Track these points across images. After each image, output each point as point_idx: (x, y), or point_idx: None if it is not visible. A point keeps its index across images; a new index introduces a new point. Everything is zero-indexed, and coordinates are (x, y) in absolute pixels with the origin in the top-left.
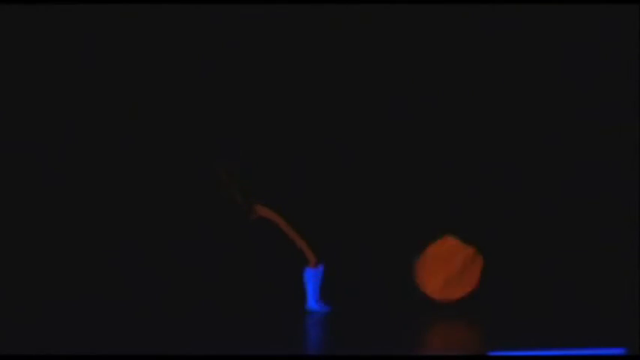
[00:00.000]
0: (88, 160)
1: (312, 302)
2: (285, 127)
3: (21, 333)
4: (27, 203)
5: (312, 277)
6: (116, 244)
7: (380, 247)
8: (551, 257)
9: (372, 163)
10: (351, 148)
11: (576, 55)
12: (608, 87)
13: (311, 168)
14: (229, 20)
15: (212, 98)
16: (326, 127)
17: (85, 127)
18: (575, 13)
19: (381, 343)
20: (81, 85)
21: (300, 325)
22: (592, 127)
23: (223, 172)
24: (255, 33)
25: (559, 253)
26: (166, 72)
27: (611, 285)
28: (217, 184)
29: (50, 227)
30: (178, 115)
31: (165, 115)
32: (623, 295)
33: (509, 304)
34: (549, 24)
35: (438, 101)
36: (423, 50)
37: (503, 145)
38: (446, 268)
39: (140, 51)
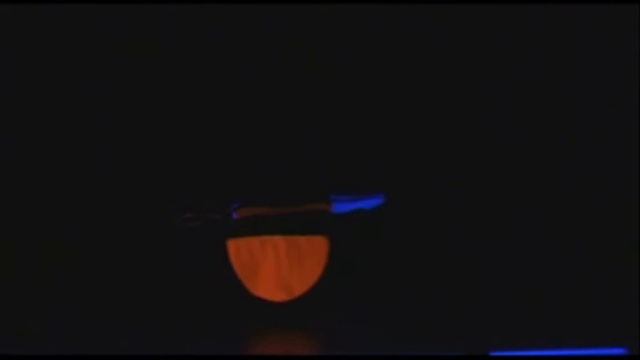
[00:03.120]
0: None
1: (367, 203)
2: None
3: (19, 333)
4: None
5: (344, 207)
6: (112, 244)
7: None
8: (552, 256)
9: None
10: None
11: (575, 55)
12: (608, 87)
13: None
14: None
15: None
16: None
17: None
18: (575, 13)
19: (384, 340)
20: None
21: (298, 323)
22: (592, 126)
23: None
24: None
25: (560, 252)
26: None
27: (612, 284)
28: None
29: (46, 226)
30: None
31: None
32: (623, 294)
33: (510, 303)
34: (548, 24)
35: (435, 101)
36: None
37: (502, 143)
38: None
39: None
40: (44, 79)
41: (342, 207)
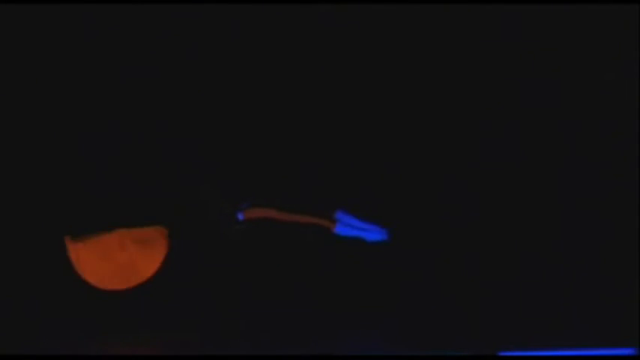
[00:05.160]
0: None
1: (369, 235)
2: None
3: (18, 333)
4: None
5: (346, 231)
6: None
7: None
8: (561, 256)
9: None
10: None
11: (575, 55)
12: (608, 87)
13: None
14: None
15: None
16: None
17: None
18: (575, 13)
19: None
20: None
21: (299, 324)
22: (592, 125)
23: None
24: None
25: (569, 255)
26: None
27: (621, 286)
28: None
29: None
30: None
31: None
32: (632, 295)
33: (518, 303)
34: (548, 24)
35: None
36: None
37: (503, 144)
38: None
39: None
40: (38, 78)
41: (344, 229)
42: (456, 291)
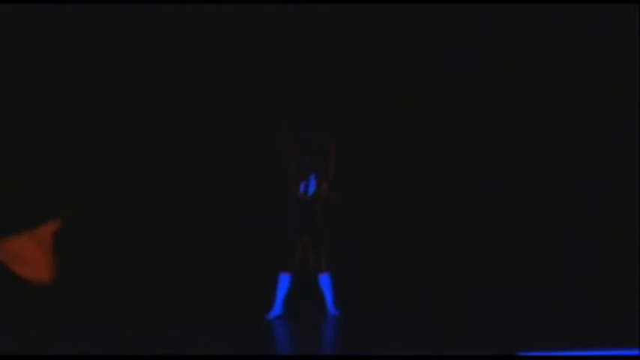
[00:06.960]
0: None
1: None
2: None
3: (18, 333)
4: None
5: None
6: (115, 243)
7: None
8: (568, 257)
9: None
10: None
11: (575, 55)
12: (608, 87)
13: None
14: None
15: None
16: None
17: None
18: (575, 13)
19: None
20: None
21: (302, 324)
22: (593, 125)
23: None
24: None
25: (576, 253)
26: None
27: (628, 285)
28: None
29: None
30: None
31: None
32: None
33: (526, 305)
34: (548, 24)
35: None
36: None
37: (505, 145)
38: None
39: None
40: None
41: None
42: (475, 292)
